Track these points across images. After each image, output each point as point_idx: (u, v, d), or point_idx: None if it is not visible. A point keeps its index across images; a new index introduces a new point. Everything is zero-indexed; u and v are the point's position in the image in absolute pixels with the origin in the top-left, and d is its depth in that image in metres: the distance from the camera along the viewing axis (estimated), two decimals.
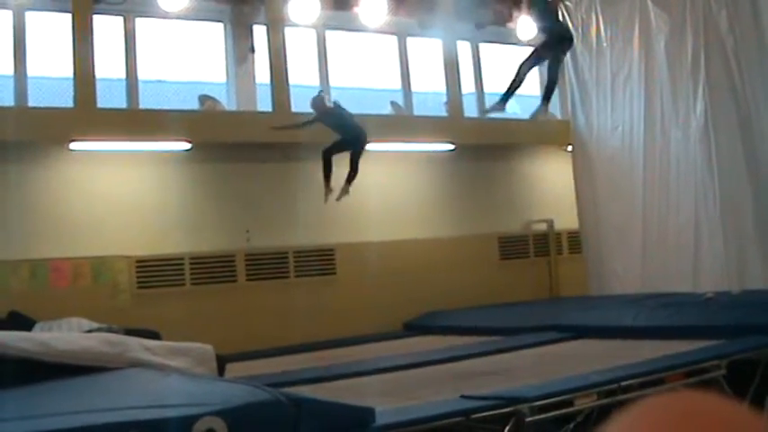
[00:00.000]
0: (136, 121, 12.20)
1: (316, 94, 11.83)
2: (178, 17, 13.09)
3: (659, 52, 13.54)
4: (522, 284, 15.22)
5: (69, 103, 11.78)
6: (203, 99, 13.06)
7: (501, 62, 16.40)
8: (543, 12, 10.36)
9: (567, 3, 15.13)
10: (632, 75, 14.09)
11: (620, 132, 14.33)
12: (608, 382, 7.22)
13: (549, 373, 7.94)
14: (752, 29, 12.20)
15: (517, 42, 15.61)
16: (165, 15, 12.93)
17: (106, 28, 12.46)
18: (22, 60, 11.96)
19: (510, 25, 15.52)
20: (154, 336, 9.09)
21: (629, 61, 14.14)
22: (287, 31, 13.40)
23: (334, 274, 13.53)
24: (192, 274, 12.60)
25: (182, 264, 12.55)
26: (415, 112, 15.12)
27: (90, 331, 9.25)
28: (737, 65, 12.38)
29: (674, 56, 13.29)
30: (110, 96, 12.37)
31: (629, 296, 12.69)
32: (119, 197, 12.32)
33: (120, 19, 12.82)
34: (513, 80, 10.02)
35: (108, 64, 12.38)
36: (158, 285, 12.34)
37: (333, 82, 14.38)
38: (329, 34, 14.52)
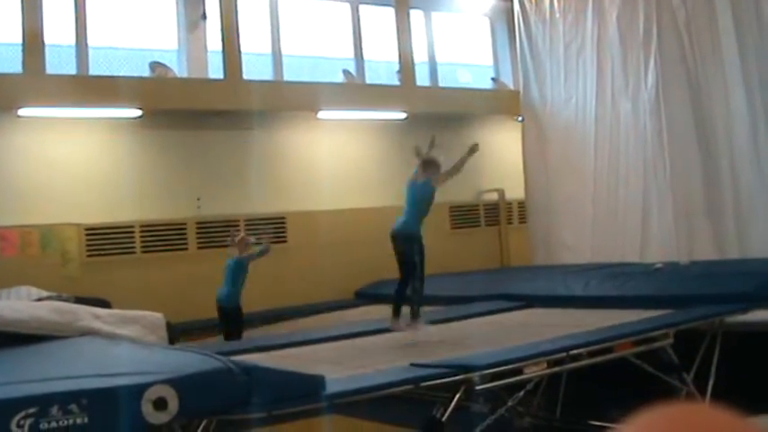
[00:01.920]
0: (86, 87, 12.07)
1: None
2: None
3: (611, 23, 13.60)
4: (472, 254, 15.28)
5: (18, 69, 11.63)
6: (154, 66, 12.95)
7: (453, 31, 16.42)
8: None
9: None
10: (585, 46, 14.15)
11: (573, 103, 14.39)
12: (557, 351, 7.29)
13: (498, 342, 7.99)
14: (703, 2, 12.29)
15: (470, 11, 15.64)
16: None
17: None
18: None
19: None
20: (104, 304, 9.05)
21: (582, 32, 14.19)
22: None
23: (286, 242, 13.50)
24: (142, 242, 12.53)
25: (132, 232, 12.47)
26: (368, 81, 15.09)
27: (39, 300, 9.20)
28: (689, 38, 12.47)
29: (626, 27, 13.36)
30: (59, 62, 12.24)
31: (579, 266, 12.80)
32: (68, 164, 12.21)
33: None
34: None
35: (57, 29, 12.23)
36: (108, 253, 12.26)
37: (285, 49, 14.32)
38: (282, 1, 14.43)
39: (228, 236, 11.46)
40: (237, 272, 10.80)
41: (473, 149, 9.43)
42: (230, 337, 10.39)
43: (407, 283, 8.95)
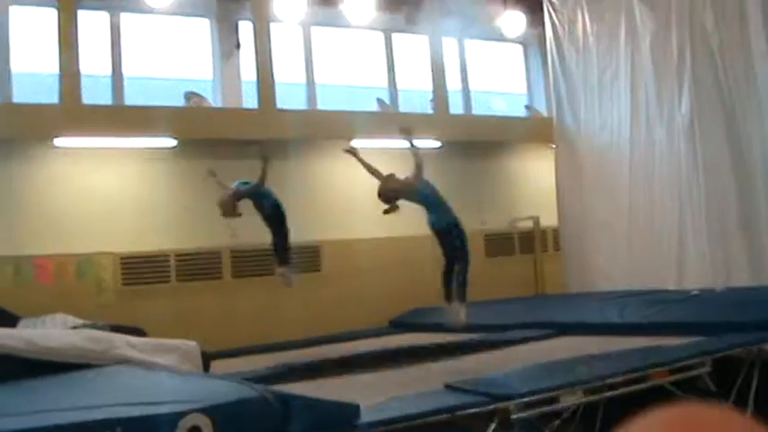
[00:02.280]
0: (121, 117, 12.17)
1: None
2: (164, 13, 13.07)
3: (645, 50, 13.55)
4: (507, 281, 15.22)
5: (55, 100, 11.74)
6: (189, 96, 13.04)
7: (487, 59, 16.43)
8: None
9: (553, 0, 15.15)
10: (619, 72, 14.09)
11: (607, 130, 14.32)
12: (593, 379, 7.23)
13: (534, 370, 7.94)
14: (737, 27, 12.22)
15: (503, 39, 15.65)
16: (151, 11, 12.92)
17: (92, 24, 12.43)
18: (6, 56, 11.92)
19: (496, 22, 15.50)
20: (139, 333, 9.07)
21: (616, 59, 14.14)
22: (273, 27, 13.38)
23: (320, 271, 13.51)
24: (177, 270, 12.58)
25: (167, 261, 12.53)
26: (401, 110, 15.10)
27: (75, 328, 9.23)
28: (722, 63, 12.39)
29: (659, 53, 13.29)
30: (95, 93, 12.33)
31: (614, 293, 12.70)
32: (104, 194, 12.29)
33: (106, 14, 12.80)
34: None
35: (93, 60, 12.35)
36: (143, 282, 12.32)
37: (319, 79, 14.38)
38: (315, 31, 14.51)
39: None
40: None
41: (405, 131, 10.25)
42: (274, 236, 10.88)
43: (451, 269, 9.52)
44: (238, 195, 10.59)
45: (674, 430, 0.94)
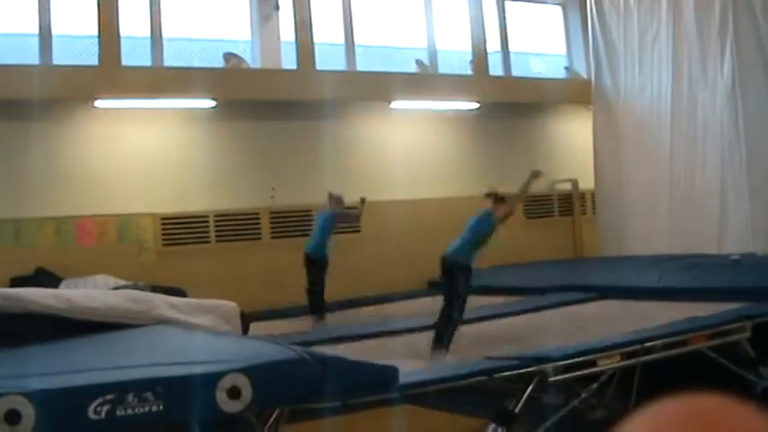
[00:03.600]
0: (160, 78, 12.19)
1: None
2: None
3: (687, 12, 13.41)
4: (546, 244, 15.18)
5: (94, 61, 11.78)
6: (228, 57, 13.04)
7: (526, 20, 16.31)
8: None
9: None
10: (660, 35, 13.96)
11: (648, 93, 14.21)
12: (631, 343, 7.22)
13: (572, 334, 7.94)
14: None
15: (543, 1, 15.53)
16: None
17: None
18: (47, 18, 11.95)
19: None
20: (179, 293, 9.14)
21: (657, 21, 14.01)
22: None
23: (359, 232, 13.52)
24: (216, 231, 12.64)
25: (206, 221, 12.59)
26: (441, 71, 15.04)
27: (116, 288, 9.31)
28: (765, 25, 12.25)
29: (701, 16, 13.16)
30: (134, 54, 12.36)
31: (654, 257, 12.64)
32: (143, 155, 12.35)
33: None
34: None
35: (132, 21, 12.36)
36: (183, 243, 12.40)
37: (358, 39, 14.33)
38: None
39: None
40: (327, 226, 11.22)
41: (536, 175, 9.18)
42: (314, 287, 10.93)
43: (445, 310, 8.43)
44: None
45: (689, 424, 0.93)
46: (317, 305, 10.90)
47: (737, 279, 10.10)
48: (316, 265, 11.00)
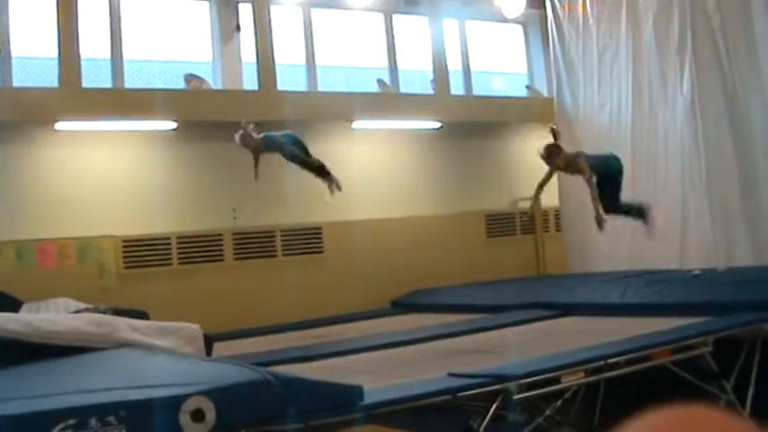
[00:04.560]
0: (121, 100, 12.16)
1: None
2: None
3: (646, 30, 13.52)
4: (508, 262, 15.24)
5: (54, 83, 11.74)
6: (189, 78, 13.02)
7: (487, 39, 16.40)
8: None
9: None
10: (619, 52, 14.06)
11: (607, 110, 14.31)
12: (595, 359, 7.25)
13: (536, 351, 7.96)
14: (738, 6, 12.19)
15: (503, 20, 15.61)
16: None
17: (91, 6, 12.39)
18: (6, 40, 11.90)
19: (496, 3, 15.45)
20: (141, 316, 9.07)
21: (616, 39, 14.11)
22: (272, 9, 13.37)
23: (322, 252, 13.53)
24: (179, 253, 12.60)
25: (169, 243, 12.54)
26: (402, 91, 15.09)
27: (77, 312, 9.24)
28: (724, 42, 12.37)
29: (661, 33, 13.27)
30: (95, 76, 12.33)
31: (615, 273, 12.71)
32: (104, 177, 12.30)
33: None
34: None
35: (93, 43, 12.32)
36: (145, 265, 12.34)
37: (319, 60, 14.35)
38: (315, 12, 14.47)
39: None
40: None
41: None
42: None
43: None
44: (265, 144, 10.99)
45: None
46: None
47: (699, 294, 10.16)
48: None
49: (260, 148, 11.05)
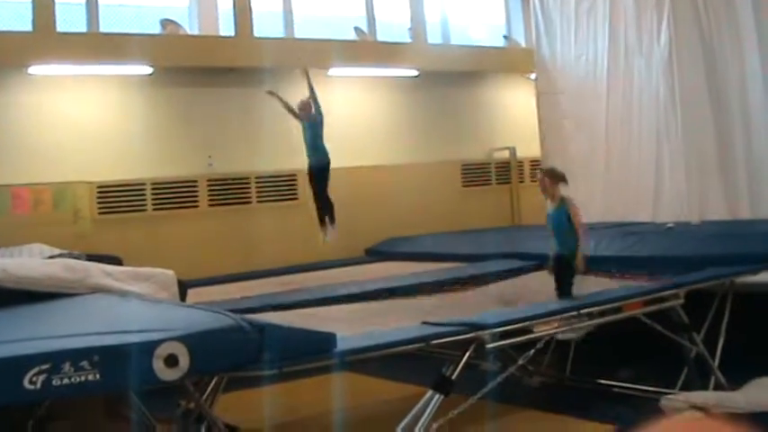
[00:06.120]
0: (96, 44, 12.04)
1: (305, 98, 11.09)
2: None
3: None
4: (484, 212, 15.29)
5: (28, 27, 11.61)
6: (165, 23, 12.91)
7: None
8: None
9: None
10: (596, 4, 14.01)
11: (583, 62, 14.27)
12: (567, 310, 7.29)
13: (511, 301, 8.00)
14: None
15: None
16: None
17: None
18: None
19: None
20: (115, 261, 9.06)
21: None
22: None
23: (297, 199, 13.50)
24: (153, 199, 12.55)
25: (143, 189, 12.49)
26: (379, 39, 15.01)
27: (51, 257, 9.22)
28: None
29: None
30: (70, 20, 12.20)
31: (589, 225, 12.73)
32: (79, 122, 12.21)
33: None
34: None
35: None
36: (120, 211, 12.30)
37: (297, 7, 14.25)
38: None
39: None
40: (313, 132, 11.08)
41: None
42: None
43: None
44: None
45: None
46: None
47: (672, 247, 10.21)
48: (319, 171, 11.08)
49: (308, 119, 10.96)
